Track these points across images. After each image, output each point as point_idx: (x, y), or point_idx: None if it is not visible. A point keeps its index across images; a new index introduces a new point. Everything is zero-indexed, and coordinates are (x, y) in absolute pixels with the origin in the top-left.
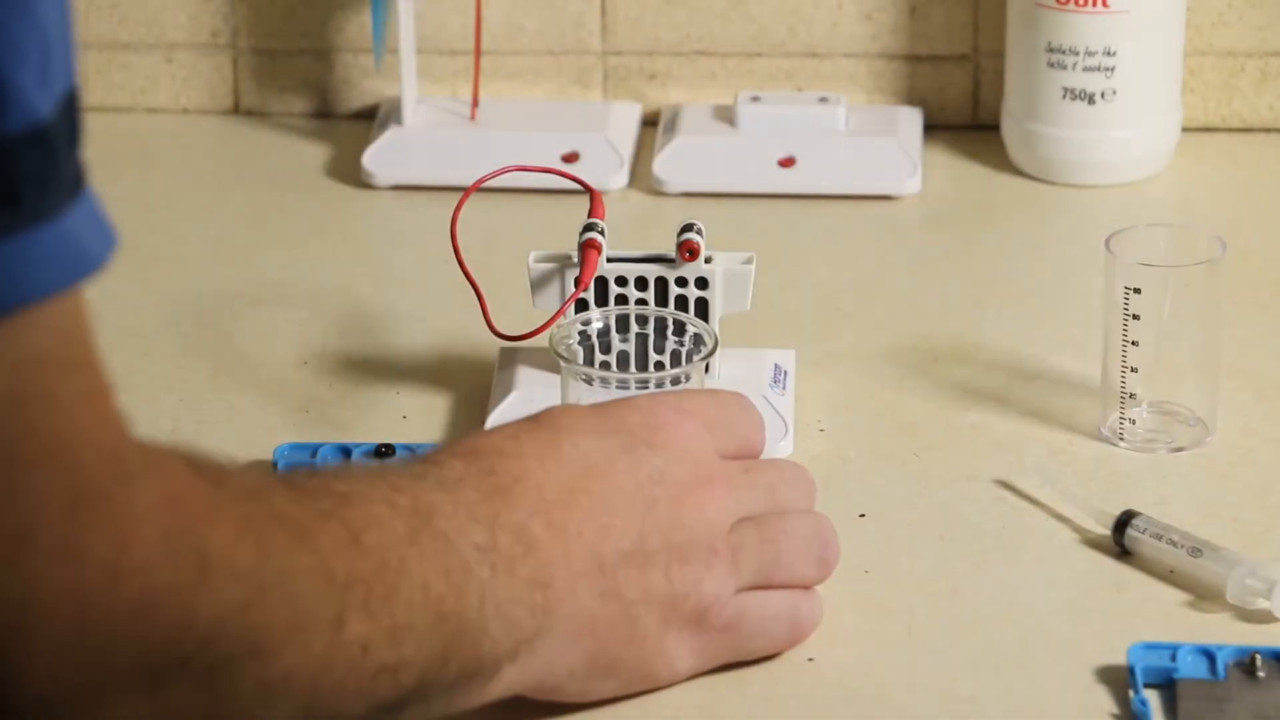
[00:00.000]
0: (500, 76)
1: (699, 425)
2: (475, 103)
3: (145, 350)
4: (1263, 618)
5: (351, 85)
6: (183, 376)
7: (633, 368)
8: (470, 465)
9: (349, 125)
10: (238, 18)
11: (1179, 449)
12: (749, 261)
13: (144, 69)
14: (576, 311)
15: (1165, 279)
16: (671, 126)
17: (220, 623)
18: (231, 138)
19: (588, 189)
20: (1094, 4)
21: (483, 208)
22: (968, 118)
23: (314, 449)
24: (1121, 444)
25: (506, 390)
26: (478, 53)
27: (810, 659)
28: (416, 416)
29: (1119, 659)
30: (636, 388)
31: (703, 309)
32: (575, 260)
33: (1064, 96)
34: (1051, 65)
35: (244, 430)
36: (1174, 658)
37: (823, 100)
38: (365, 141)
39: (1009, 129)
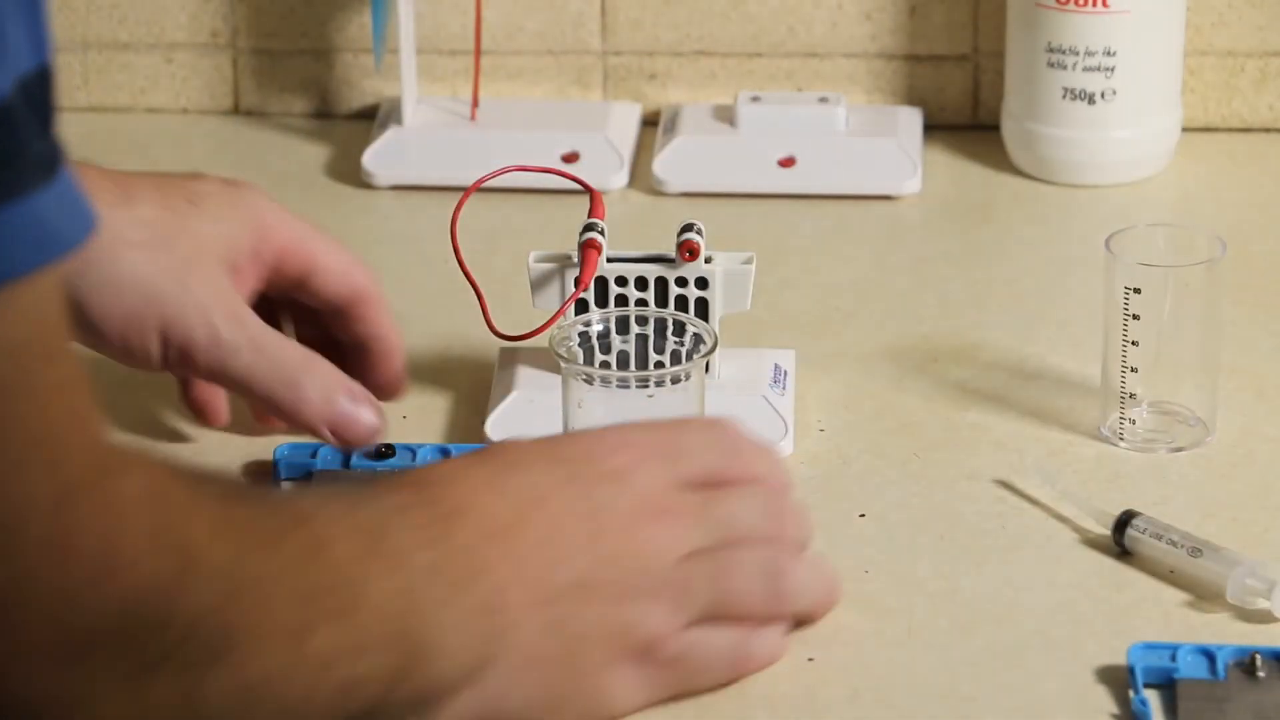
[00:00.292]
0: (500, 76)
1: (651, 456)
2: (475, 103)
3: None
4: (1263, 618)
5: (351, 85)
6: None
7: (633, 367)
8: (416, 494)
9: (349, 125)
10: (238, 18)
11: (1179, 449)
12: (749, 261)
13: (144, 69)
14: (576, 312)
15: (1165, 279)
16: (671, 126)
17: (198, 620)
18: (231, 138)
19: (588, 189)
20: (1094, 4)
21: (483, 208)
22: (968, 118)
23: (314, 449)
24: (1121, 444)
25: (506, 390)
26: (478, 53)
27: (810, 659)
28: (416, 416)
29: (1119, 659)
30: (637, 387)
31: (703, 309)
32: (575, 260)
33: (1064, 96)
34: (1051, 65)
35: (244, 431)
36: (1174, 658)
37: (823, 100)
38: (365, 141)
39: (1009, 129)
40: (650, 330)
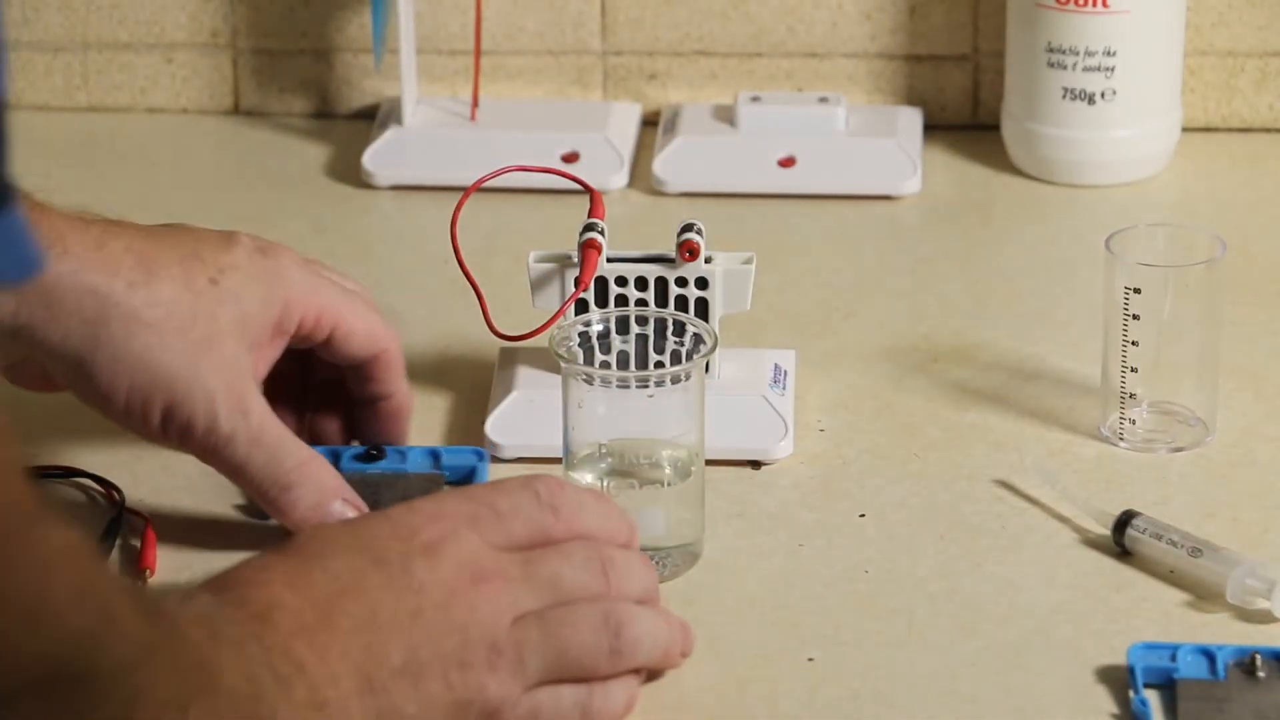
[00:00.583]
0: (500, 76)
1: (465, 524)
2: (475, 103)
3: None
4: (1263, 618)
5: (351, 85)
6: None
7: (633, 367)
8: (221, 597)
9: (349, 125)
10: (238, 18)
11: (1179, 449)
12: (749, 261)
13: (144, 69)
14: (576, 312)
15: (1165, 279)
16: (671, 126)
17: (113, 681)
18: (231, 138)
19: (588, 189)
20: (1094, 4)
21: (483, 208)
22: (968, 118)
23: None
24: (1121, 444)
25: (506, 390)
26: (478, 53)
27: (810, 659)
28: (416, 416)
29: (1119, 659)
30: (637, 387)
31: (703, 309)
32: (575, 260)
33: (1064, 96)
34: (1051, 65)
35: None
36: (1174, 658)
37: (823, 100)
38: (365, 141)
39: (1009, 129)
40: (650, 330)
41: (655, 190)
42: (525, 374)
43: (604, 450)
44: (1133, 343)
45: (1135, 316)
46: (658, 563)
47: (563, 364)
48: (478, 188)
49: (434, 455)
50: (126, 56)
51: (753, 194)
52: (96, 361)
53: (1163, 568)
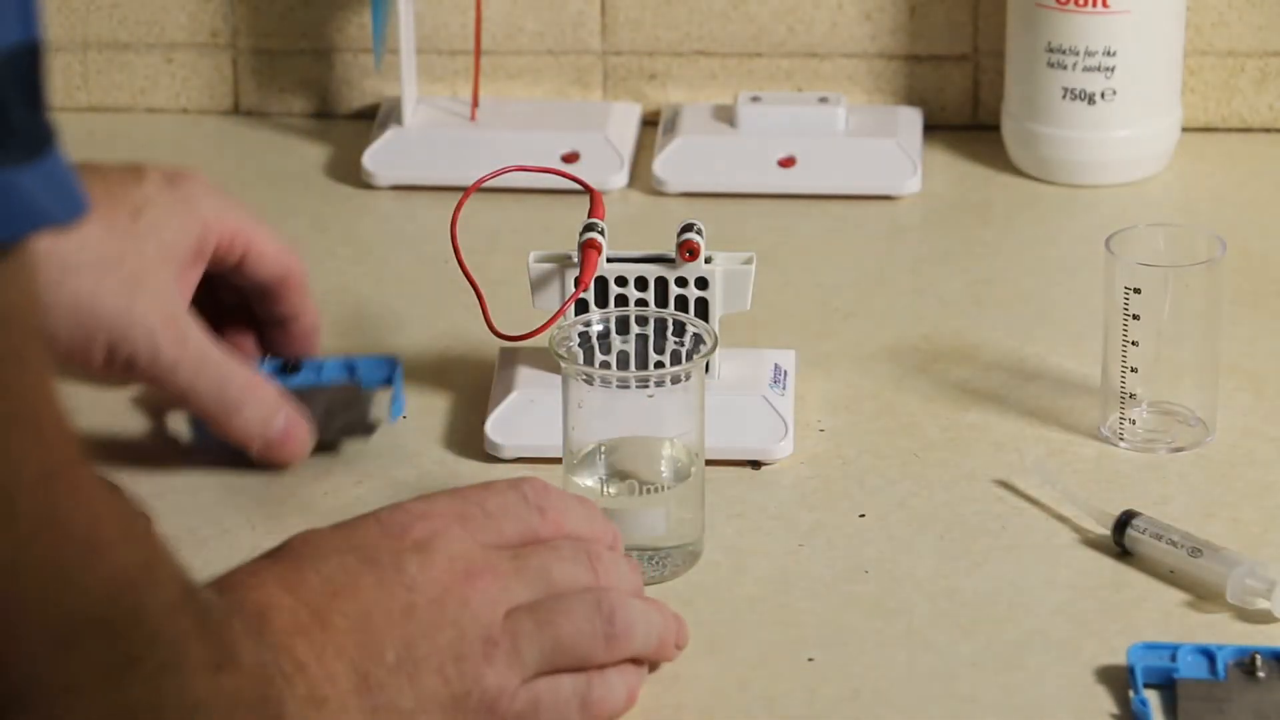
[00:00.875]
0: (500, 76)
1: (454, 523)
2: (475, 103)
3: None
4: (1263, 618)
5: (351, 85)
6: None
7: (633, 367)
8: (224, 599)
9: (349, 125)
10: (238, 18)
11: (1179, 449)
12: (749, 261)
13: (144, 69)
14: (576, 312)
15: (1165, 279)
16: (671, 126)
17: (162, 620)
18: (231, 138)
19: (588, 189)
20: (1094, 4)
21: (483, 208)
22: (968, 118)
23: None
24: (1121, 444)
25: (506, 390)
26: (478, 53)
27: (810, 659)
28: (416, 416)
29: (1119, 659)
30: (637, 387)
31: (703, 309)
32: (575, 260)
33: (1064, 96)
34: (1051, 65)
35: None
36: (1174, 658)
37: (823, 100)
38: (365, 141)
39: (1009, 129)
40: (650, 330)
41: (655, 190)
42: (525, 374)
43: (604, 450)
44: (1133, 343)
45: (1135, 316)
46: (657, 563)
47: (563, 364)
48: (478, 188)
49: (349, 368)
50: (126, 56)
51: (753, 194)
52: None
53: (1163, 568)
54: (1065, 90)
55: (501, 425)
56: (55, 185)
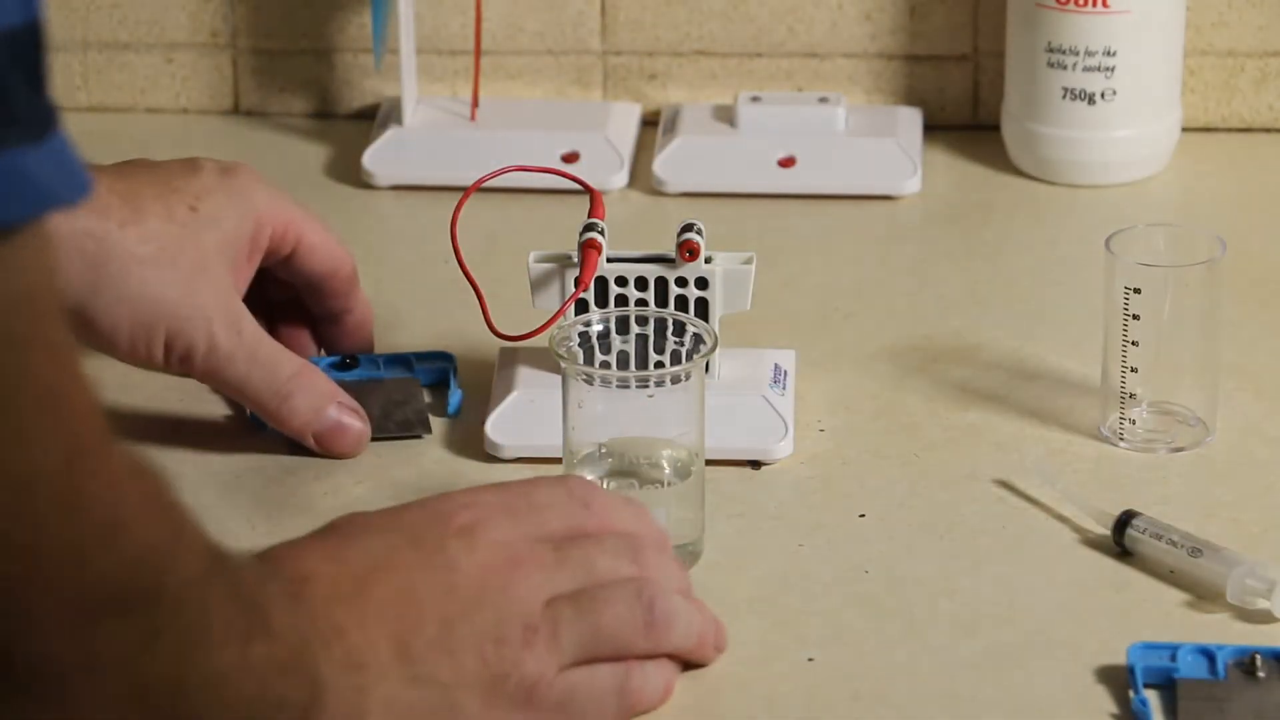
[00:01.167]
0: (500, 76)
1: (500, 513)
2: (475, 103)
3: None
4: (1263, 618)
5: (351, 85)
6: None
7: (633, 367)
8: (264, 567)
9: (349, 125)
10: (238, 18)
11: (1179, 449)
12: (749, 261)
13: (144, 69)
14: (576, 312)
15: (1165, 279)
16: (671, 126)
17: (184, 594)
18: (231, 138)
19: (588, 189)
20: (1094, 4)
21: (483, 208)
22: (968, 118)
23: None
24: (1121, 444)
25: (506, 390)
26: (478, 53)
27: (810, 659)
28: None
29: (1119, 659)
30: (637, 387)
31: (703, 309)
32: (575, 260)
33: (1064, 96)
34: (1051, 65)
35: (244, 430)
36: (1174, 658)
37: (823, 100)
38: (365, 141)
39: (1009, 129)
40: (650, 330)
41: (655, 190)
42: (525, 374)
43: (604, 450)
44: (1133, 343)
45: (1135, 316)
46: None
47: (563, 364)
48: (478, 188)
49: (406, 361)
50: (126, 56)
51: (753, 194)
52: (98, 304)
53: (1163, 568)
54: (1065, 90)
55: (501, 425)
56: (60, 165)
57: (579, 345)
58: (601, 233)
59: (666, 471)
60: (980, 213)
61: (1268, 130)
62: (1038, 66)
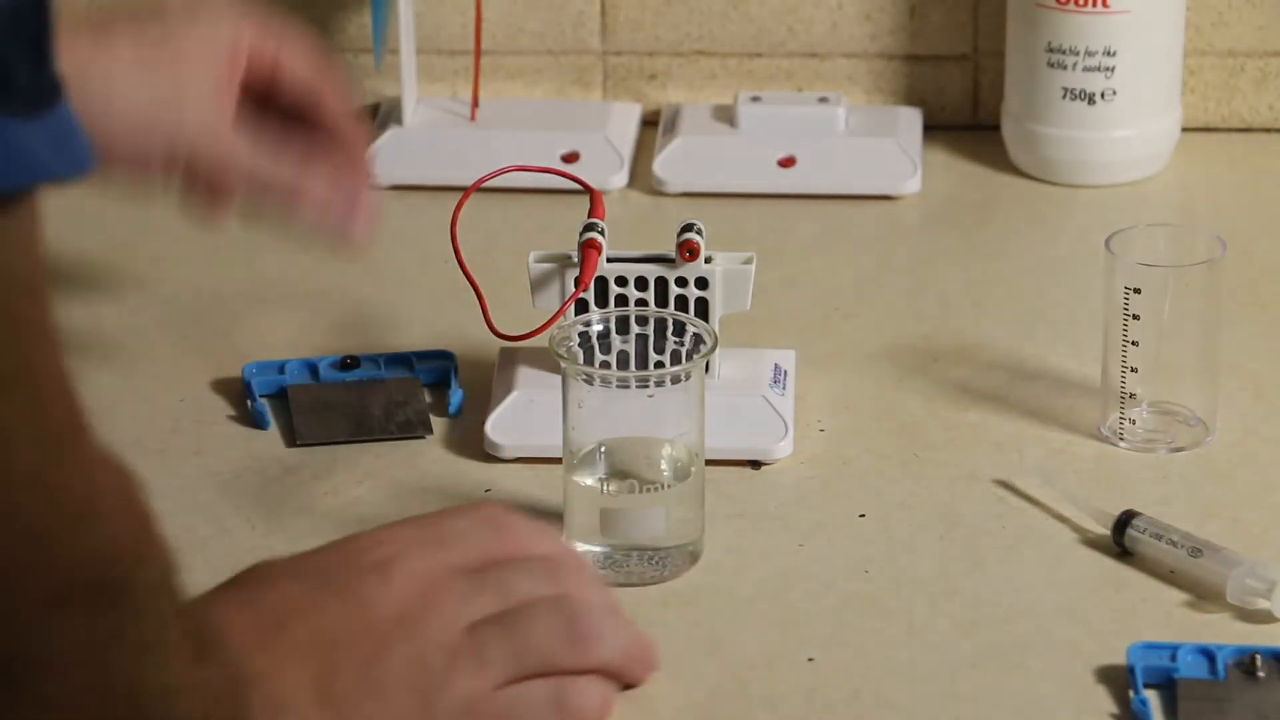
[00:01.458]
0: (500, 76)
1: (409, 546)
2: (475, 103)
3: (145, 350)
4: (1263, 618)
5: (351, 85)
6: (183, 376)
7: (633, 367)
8: (185, 618)
9: None
10: None
11: (1179, 449)
12: (749, 261)
13: None
14: (576, 312)
15: (1165, 279)
16: (671, 126)
17: (149, 597)
18: None
19: (588, 189)
20: (1094, 4)
21: (483, 208)
22: (968, 118)
23: (281, 365)
24: (1121, 444)
25: (506, 390)
26: (478, 53)
27: (810, 659)
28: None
29: (1119, 659)
30: (637, 387)
31: (703, 309)
32: (575, 260)
33: (1064, 96)
34: (1051, 65)
35: (244, 430)
36: (1174, 658)
37: (823, 100)
38: None
39: (1009, 129)
40: (650, 330)
41: (655, 190)
42: (525, 374)
43: (604, 450)
44: (1133, 343)
45: (1135, 316)
46: (657, 563)
47: (563, 364)
48: (478, 188)
49: (407, 361)
50: None
51: (753, 194)
52: (92, 116)
53: (1163, 568)
54: (1065, 90)
55: (501, 425)
56: (59, 140)
57: (579, 345)
58: (601, 233)
59: (666, 471)
60: (980, 213)
61: (1268, 130)
62: (1038, 66)
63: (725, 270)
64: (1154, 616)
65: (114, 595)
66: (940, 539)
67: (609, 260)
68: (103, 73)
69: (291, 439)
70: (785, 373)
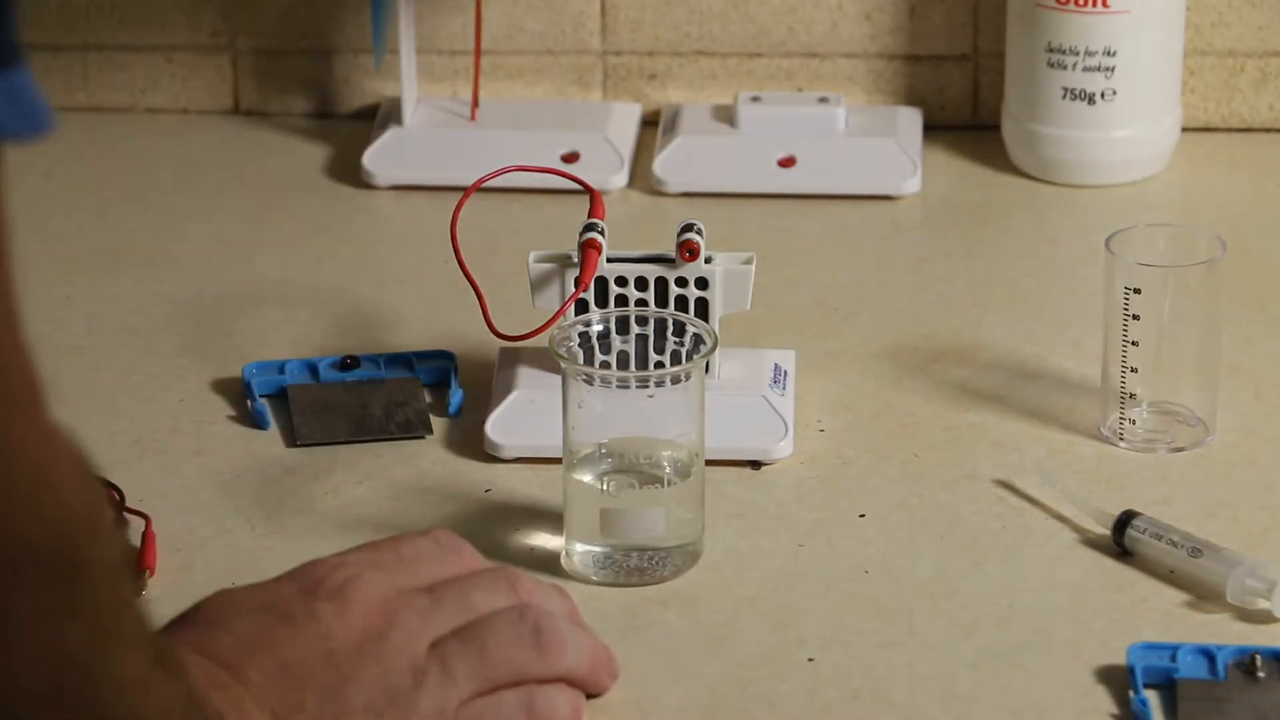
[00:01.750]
0: (500, 76)
1: (365, 570)
2: (475, 103)
3: (145, 350)
4: (1263, 618)
5: (351, 85)
6: (183, 376)
7: (633, 367)
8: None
9: (349, 125)
10: (238, 18)
11: (1179, 449)
12: (749, 261)
13: (144, 69)
14: (577, 312)
15: (1165, 279)
16: (671, 126)
17: (105, 576)
18: (231, 138)
19: (588, 189)
20: (1094, 4)
21: (483, 208)
22: (968, 118)
23: (281, 365)
24: (1121, 444)
25: (506, 390)
26: (478, 53)
27: (810, 659)
28: None
29: (1119, 659)
30: (637, 387)
31: (703, 309)
32: (575, 260)
33: (1064, 96)
34: (1052, 65)
35: (244, 430)
36: (1174, 658)
37: (823, 100)
38: (365, 141)
39: (1009, 129)
40: (650, 330)
41: (655, 190)
42: (525, 374)
43: (604, 450)
44: (1133, 343)
45: (1135, 316)
46: (657, 562)
47: (563, 364)
48: (478, 188)
49: (407, 361)
50: (126, 56)
51: (753, 194)
52: None
53: (1163, 568)
54: (1065, 90)
55: (501, 425)
56: (15, 99)
57: (579, 345)
58: (601, 233)
59: (666, 471)
60: (980, 213)
61: (1268, 130)
62: (1038, 66)
63: (725, 270)
64: (1154, 616)
65: (71, 570)
66: (940, 539)
67: (609, 260)
68: None
69: (291, 439)
70: (785, 373)
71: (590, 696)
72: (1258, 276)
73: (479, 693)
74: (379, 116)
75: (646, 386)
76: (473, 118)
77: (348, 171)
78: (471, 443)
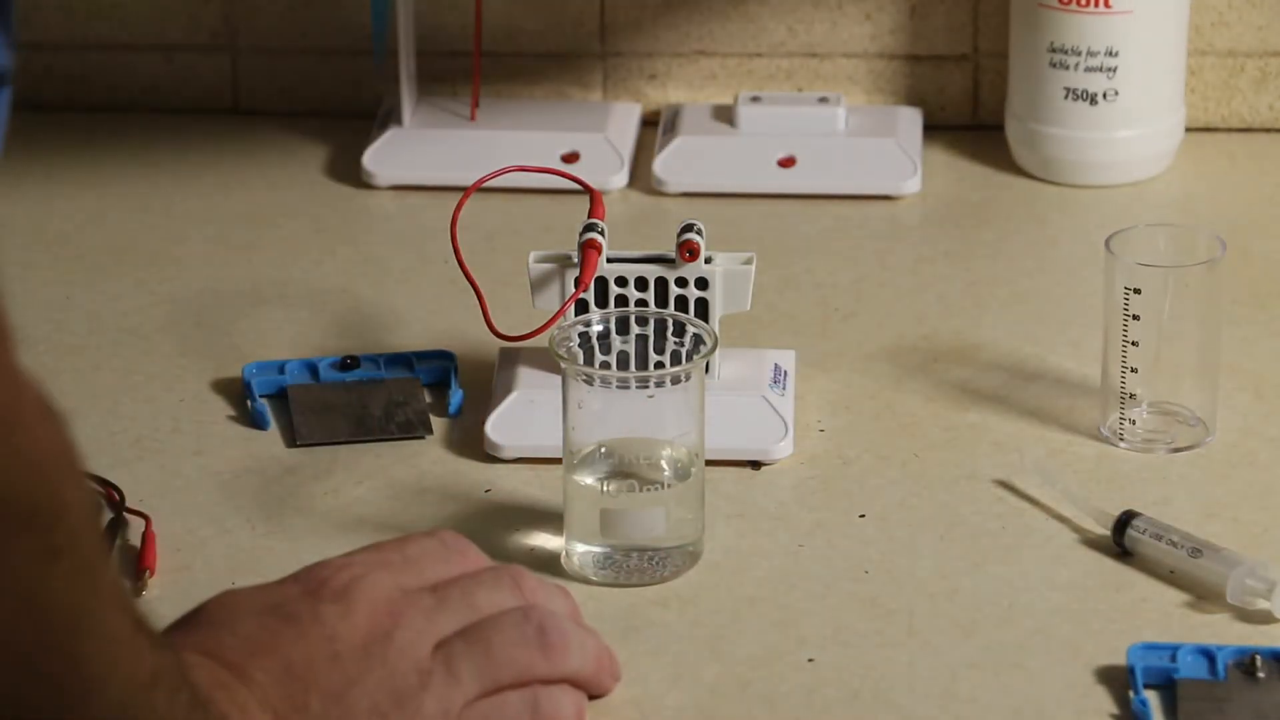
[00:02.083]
0: (500, 76)
1: (370, 570)
2: (475, 103)
3: (145, 350)
4: (1263, 618)
5: (351, 85)
6: (183, 376)
7: (633, 367)
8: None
9: (349, 125)
10: (238, 18)
11: (1179, 449)
12: (749, 261)
13: (144, 69)
14: (577, 312)
15: (1165, 279)
16: (671, 126)
17: (83, 523)
18: (231, 138)
19: (588, 189)
20: (1096, 4)
21: (483, 208)
22: (968, 118)
23: (281, 365)
24: (1121, 444)
25: (506, 390)
26: (477, 53)
27: (810, 659)
28: None
29: (1119, 659)
30: (637, 387)
31: (703, 309)
32: (575, 260)
33: (1066, 97)
34: (1054, 65)
35: (244, 430)
36: (1174, 658)
37: (823, 100)
38: (365, 141)
39: (1013, 129)
40: (650, 330)
41: (655, 190)
42: (525, 374)
43: (604, 450)
44: (1133, 343)
45: (1135, 316)
46: (657, 562)
47: (563, 364)
48: (478, 188)
49: (407, 361)
50: (126, 56)
51: (753, 194)
52: None
53: (1163, 568)
54: (1067, 90)
55: (501, 425)
56: None
57: (579, 345)
58: (601, 233)
59: (666, 472)
60: (980, 213)
61: (1268, 130)
62: (1040, 67)
63: (725, 270)
64: (1154, 617)
65: (50, 517)
66: (940, 539)
67: (609, 260)
68: None
69: (291, 439)
70: (785, 373)
71: (592, 698)
72: (1258, 276)
73: (484, 693)
74: (379, 116)
75: (646, 387)
76: (473, 118)
77: (348, 171)
78: (471, 443)
